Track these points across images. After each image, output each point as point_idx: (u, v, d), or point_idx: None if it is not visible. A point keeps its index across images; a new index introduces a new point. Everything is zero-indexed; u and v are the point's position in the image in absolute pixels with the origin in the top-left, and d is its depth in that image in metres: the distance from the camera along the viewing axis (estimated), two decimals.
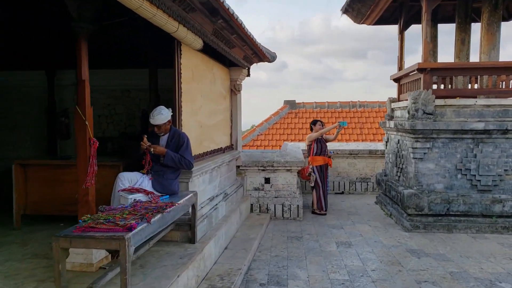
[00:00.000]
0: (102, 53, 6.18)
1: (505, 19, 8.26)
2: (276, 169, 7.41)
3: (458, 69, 6.62)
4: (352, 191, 10.06)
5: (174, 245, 4.34)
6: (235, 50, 5.89)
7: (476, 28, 8.57)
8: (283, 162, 7.37)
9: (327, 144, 8.26)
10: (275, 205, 7.38)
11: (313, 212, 7.81)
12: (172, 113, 4.26)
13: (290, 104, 13.83)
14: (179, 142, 4.23)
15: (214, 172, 5.72)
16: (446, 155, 6.50)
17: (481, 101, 6.48)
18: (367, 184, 10.03)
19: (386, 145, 8.49)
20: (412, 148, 6.53)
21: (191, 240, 4.39)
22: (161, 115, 4.12)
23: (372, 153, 9.95)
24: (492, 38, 7.05)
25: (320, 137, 7.79)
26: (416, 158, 6.55)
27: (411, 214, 6.54)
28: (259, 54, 6.83)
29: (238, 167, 7.35)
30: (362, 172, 10.08)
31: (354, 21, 8.99)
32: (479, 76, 6.87)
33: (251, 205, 7.38)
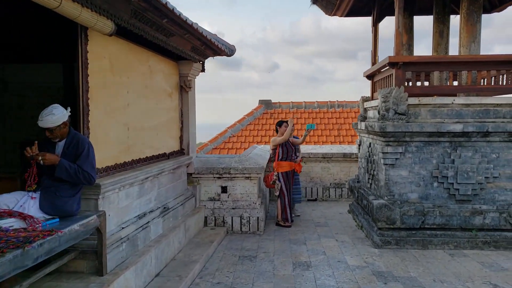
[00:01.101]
0: (31, 45, 5.33)
1: (487, 10, 7.53)
2: (234, 177, 6.57)
3: (434, 63, 5.85)
4: (326, 197, 9.27)
5: (76, 278, 3.48)
6: (176, 40, 5.04)
7: (456, 22, 7.84)
8: (241, 169, 6.53)
9: (298, 146, 7.46)
10: (232, 217, 6.53)
11: (277, 224, 6.99)
12: (70, 113, 3.40)
13: (265, 104, 13.01)
14: (78, 149, 3.36)
15: (147, 184, 4.86)
16: (421, 161, 5.72)
17: (459, 99, 5.71)
18: (342, 190, 9.24)
19: (359, 149, 7.71)
20: (383, 153, 5.75)
21: (99, 271, 3.53)
22: (52, 116, 3.25)
23: (346, 157, 9.17)
24: (472, 30, 6.30)
25: (286, 141, 7.00)
26: (387, 164, 5.76)
27: (381, 228, 5.75)
28: (212, 46, 5.99)
29: (190, 174, 6.50)
30: (336, 177, 9.29)
31: (325, 13, 8.21)
32: (458, 72, 6.12)
33: (205, 218, 6.54)
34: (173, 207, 5.51)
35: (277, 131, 7.14)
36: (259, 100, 13.08)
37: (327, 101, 13.08)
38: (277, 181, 6.83)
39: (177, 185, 5.93)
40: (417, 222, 5.62)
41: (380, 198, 5.98)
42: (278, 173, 6.87)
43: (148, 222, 4.70)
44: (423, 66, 5.84)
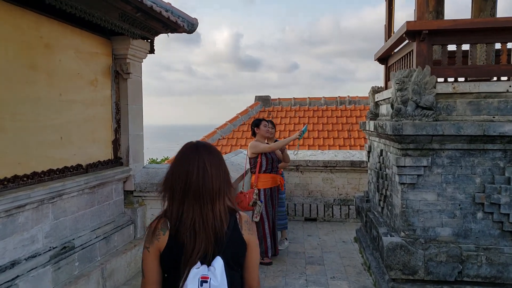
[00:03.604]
0: None
1: None
2: None
3: (478, 31, 3.89)
4: (329, 217, 7.37)
5: None
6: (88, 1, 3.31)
7: None
8: None
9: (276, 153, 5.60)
10: None
11: None
12: None
13: (263, 101, 11.16)
14: None
15: (26, 214, 3.12)
16: (457, 179, 3.80)
17: None
18: (349, 208, 7.32)
19: (369, 157, 5.79)
20: (398, 166, 3.84)
21: None
22: None
23: (355, 166, 7.25)
24: None
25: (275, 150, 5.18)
26: (404, 183, 3.85)
27: (396, 279, 3.85)
28: (153, 14, 4.21)
29: (130, 193, 4.73)
30: (341, 192, 7.38)
31: None
32: None
33: None
34: (85, 245, 3.75)
35: (253, 134, 5.29)
36: (256, 97, 11.22)
37: (336, 97, 11.12)
38: (258, 202, 4.98)
39: (101, 210, 4.17)
40: (452, 273, 3.69)
41: (394, 232, 4.07)
42: (259, 190, 5.04)
43: (18, 276, 2.95)
44: (459, 36, 3.90)
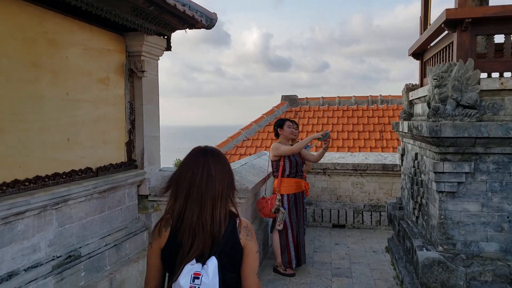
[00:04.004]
0: None
1: None
2: None
3: None
4: (358, 224, 6.92)
5: None
6: None
7: None
8: None
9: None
10: None
11: (276, 271, 4.81)
12: None
13: (290, 100, 10.77)
14: None
15: (27, 221, 2.92)
16: (505, 188, 3.32)
17: None
18: (380, 215, 6.85)
19: (402, 160, 5.33)
20: (436, 172, 3.40)
21: None
22: None
23: (387, 169, 6.77)
24: None
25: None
26: (443, 191, 3.41)
27: None
28: (168, 8, 3.96)
29: (144, 197, 4.51)
30: (372, 197, 6.92)
31: None
32: None
33: None
34: (93, 253, 3.53)
35: (277, 135, 4.96)
36: (282, 96, 10.85)
37: (367, 96, 10.59)
38: (281, 209, 4.64)
39: (112, 216, 3.95)
40: None
41: (431, 245, 3.63)
42: (282, 195, 4.70)
43: None
44: (509, 25, 3.42)
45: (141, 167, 4.48)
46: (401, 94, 5.43)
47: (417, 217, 4.34)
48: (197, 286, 1.55)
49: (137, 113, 4.48)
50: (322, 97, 10.67)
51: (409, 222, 4.61)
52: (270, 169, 5.02)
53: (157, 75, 4.76)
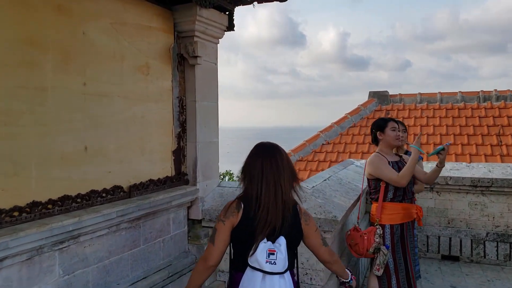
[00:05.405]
0: None
1: None
2: None
3: None
4: (478, 257, 5.25)
5: None
6: None
7: None
8: None
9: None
10: None
11: None
12: None
13: (379, 97, 9.15)
14: None
15: (3, 274, 1.96)
16: None
17: None
18: (511, 247, 5.11)
19: None
20: None
21: None
22: None
23: None
24: None
25: (398, 161, 3.49)
26: None
27: None
28: None
29: (197, 222, 3.43)
30: (498, 222, 5.21)
31: None
32: None
33: None
34: None
35: (375, 140, 3.59)
36: (370, 92, 9.25)
37: (478, 91, 8.63)
38: (382, 248, 3.27)
39: (149, 251, 2.92)
40: None
41: None
42: (383, 227, 3.34)
43: None
44: None
45: (193, 183, 3.42)
46: None
47: None
48: (273, 261, 1.81)
49: (188, 113, 3.43)
50: (419, 93, 8.91)
51: None
52: (365, 186, 3.68)
53: (216, 64, 3.68)
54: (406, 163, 3.49)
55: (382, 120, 3.54)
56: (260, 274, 1.80)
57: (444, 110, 8.51)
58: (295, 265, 2.05)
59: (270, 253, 1.80)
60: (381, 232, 3.26)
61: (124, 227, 2.68)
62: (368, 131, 8.41)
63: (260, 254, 1.80)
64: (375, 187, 3.42)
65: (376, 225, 3.30)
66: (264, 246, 1.81)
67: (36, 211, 2.18)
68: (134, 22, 2.89)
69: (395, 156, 3.53)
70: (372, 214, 3.44)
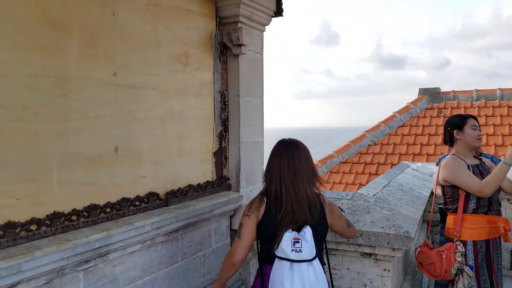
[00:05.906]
0: None
1: None
2: (336, 249, 2.76)
3: None
4: None
5: None
6: None
7: None
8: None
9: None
10: None
11: None
12: None
13: (430, 95, 8.44)
14: None
15: None
16: None
17: None
18: None
19: None
20: None
21: None
22: None
23: None
24: None
25: (478, 164, 2.93)
26: None
27: None
28: None
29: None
30: None
31: None
32: None
33: None
34: None
35: (449, 141, 3.04)
36: (420, 89, 8.55)
37: None
38: (466, 269, 2.72)
39: (188, 268, 2.53)
40: None
41: None
42: (465, 244, 2.79)
43: None
44: None
45: (236, 189, 3.01)
46: None
47: None
48: (298, 249, 1.82)
49: (231, 109, 3.02)
50: (475, 89, 8.12)
51: None
52: (438, 193, 3.14)
53: (261, 54, 3.26)
54: (487, 167, 2.93)
55: (459, 117, 2.99)
56: (287, 263, 1.82)
57: (505, 108, 7.70)
58: (326, 261, 2.08)
59: (295, 242, 1.83)
60: (463, 251, 2.71)
61: (160, 241, 2.30)
62: (420, 130, 7.82)
63: (285, 243, 1.82)
64: (452, 195, 2.88)
65: (456, 241, 2.76)
66: (289, 235, 1.85)
67: (58, 223, 1.84)
68: (171, 4, 2.52)
69: (475, 159, 2.98)
70: (448, 228, 2.90)
